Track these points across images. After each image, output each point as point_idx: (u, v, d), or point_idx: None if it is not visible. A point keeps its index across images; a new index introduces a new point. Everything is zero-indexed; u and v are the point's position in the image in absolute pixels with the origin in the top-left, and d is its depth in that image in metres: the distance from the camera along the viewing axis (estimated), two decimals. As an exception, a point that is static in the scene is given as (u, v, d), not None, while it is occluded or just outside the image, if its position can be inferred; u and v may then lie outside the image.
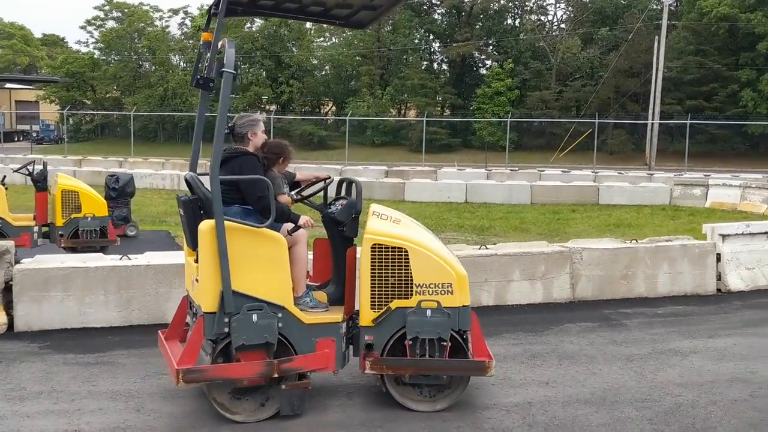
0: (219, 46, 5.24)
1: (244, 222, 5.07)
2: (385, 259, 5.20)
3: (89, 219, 12.07)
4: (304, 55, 55.09)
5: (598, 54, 49.93)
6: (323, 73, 58.20)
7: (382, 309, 5.22)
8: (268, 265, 5.09)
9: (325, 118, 52.69)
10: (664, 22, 38.34)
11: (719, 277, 9.85)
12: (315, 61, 57.22)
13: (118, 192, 14.50)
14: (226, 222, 4.92)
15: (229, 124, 5.47)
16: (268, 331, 5.02)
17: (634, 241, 9.92)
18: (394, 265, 5.20)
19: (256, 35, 55.90)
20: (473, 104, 51.37)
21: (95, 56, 57.28)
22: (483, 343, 5.38)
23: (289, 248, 5.23)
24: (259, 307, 5.01)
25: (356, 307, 5.48)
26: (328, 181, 5.94)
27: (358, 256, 5.45)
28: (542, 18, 57.11)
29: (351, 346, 5.52)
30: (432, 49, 57.49)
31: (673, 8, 52.79)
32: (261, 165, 5.43)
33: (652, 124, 40.08)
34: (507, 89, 50.02)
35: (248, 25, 56.84)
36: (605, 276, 9.29)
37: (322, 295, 5.58)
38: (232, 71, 4.94)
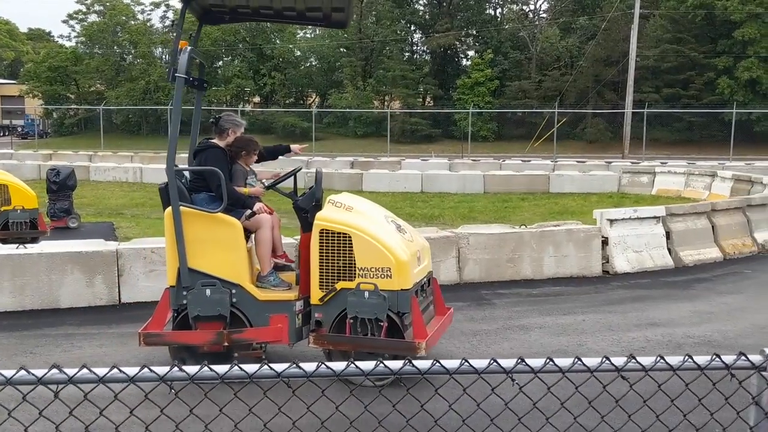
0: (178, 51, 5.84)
1: (198, 208, 5.76)
2: (331, 243, 5.61)
3: (18, 211, 12.54)
4: (286, 47, 55.38)
5: (577, 43, 50.20)
6: (306, 64, 58.49)
7: (328, 289, 5.64)
8: (222, 246, 5.75)
9: (308, 110, 52.94)
10: (637, 11, 38.56)
11: (607, 260, 10.30)
12: (298, 53, 57.52)
13: (59, 185, 14.91)
14: (184, 208, 5.68)
15: (216, 116, 6.31)
16: (221, 305, 5.68)
17: (522, 227, 10.35)
18: (339, 249, 5.60)
19: (239, 27, 56.08)
20: (454, 95, 51.75)
21: (78, 50, 57.54)
22: (422, 326, 5.59)
23: (254, 232, 5.99)
24: (212, 283, 5.69)
25: None
26: (296, 169, 6.42)
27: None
28: (524, 8, 57.29)
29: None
30: (413, 40, 57.76)
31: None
32: (225, 158, 6.09)
33: (628, 112, 40.34)
34: (487, 79, 50.38)
35: (230, 17, 57.10)
36: (492, 259, 9.72)
37: (290, 276, 6.17)
38: (183, 76, 5.64)
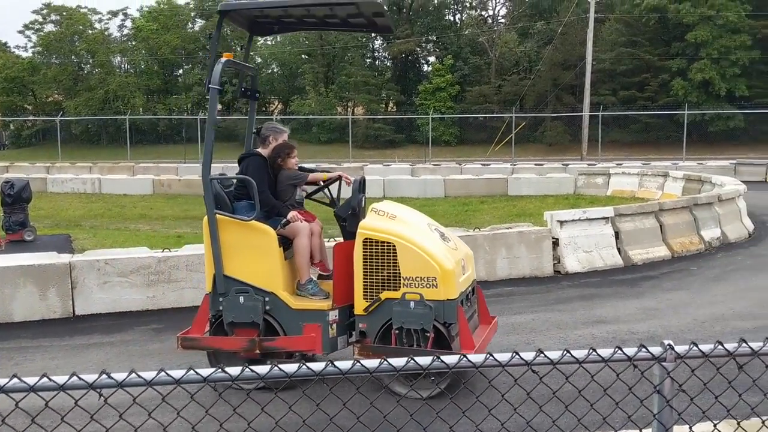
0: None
1: (231, 215, 5.82)
2: (375, 252, 5.54)
3: (-29, 225, 12.39)
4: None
5: (535, 48, 50.92)
6: (268, 71, 58.36)
7: (373, 299, 5.59)
8: (256, 253, 5.76)
9: (270, 116, 52.74)
10: (592, 15, 39.34)
11: (558, 260, 10.56)
12: (259, 60, 57.35)
13: (14, 197, 14.74)
14: (219, 216, 5.76)
15: (258, 126, 6.41)
16: (254, 312, 5.72)
17: (476, 230, 10.56)
18: (384, 259, 5.52)
19: (198, 35, 55.84)
20: (416, 100, 52.14)
21: (34, 60, 56.63)
22: (469, 336, 5.51)
23: (292, 240, 5.95)
24: (246, 290, 5.73)
25: (351, 299, 5.85)
26: (335, 176, 6.42)
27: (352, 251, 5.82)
28: (483, 13, 57.98)
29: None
30: (374, 47, 58.04)
31: (608, 0, 54.10)
32: (265, 166, 6.11)
33: (585, 115, 41.05)
34: (448, 85, 50.89)
35: (189, 25, 56.79)
36: (447, 262, 9.89)
37: (329, 285, 6.08)
38: (217, 87, 5.70)
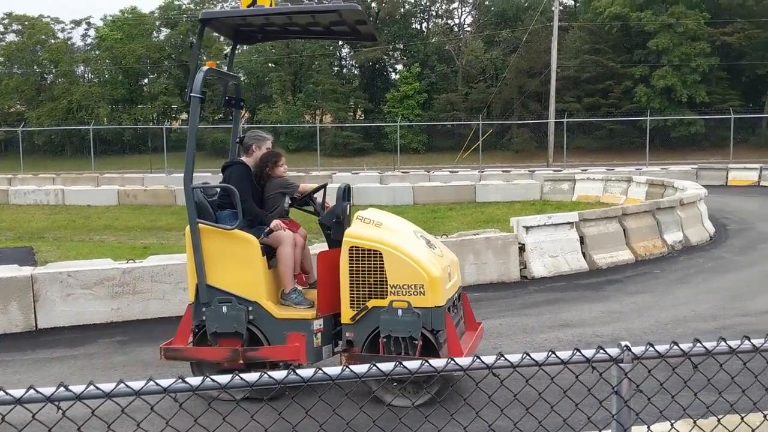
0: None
1: (214, 224, 5.76)
2: (361, 260, 5.48)
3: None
4: (213, 63, 54.79)
5: (501, 56, 51.46)
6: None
7: (359, 308, 5.54)
8: (239, 262, 5.70)
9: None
10: (556, 24, 39.90)
11: (525, 266, 10.67)
12: (225, 68, 57.03)
13: (-26, 209, 14.44)
14: (201, 225, 5.70)
15: (241, 135, 6.37)
16: (237, 322, 5.66)
17: (444, 236, 10.63)
18: (370, 267, 5.47)
19: (164, 44, 55.38)
20: (384, 108, 52.32)
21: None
22: (457, 343, 5.48)
23: (276, 249, 5.87)
24: (229, 299, 5.68)
25: (338, 308, 5.75)
26: (321, 186, 6.41)
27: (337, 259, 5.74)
28: (449, 22, 58.42)
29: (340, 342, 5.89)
30: (341, 55, 58.13)
31: (571, 9, 54.98)
32: (249, 174, 6.05)
33: (551, 122, 41.57)
34: (416, 92, 51.17)
35: (154, 34, 56.30)
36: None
37: (314, 294, 5.97)
38: (198, 95, 5.68)
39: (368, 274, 5.48)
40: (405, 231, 5.88)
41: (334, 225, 5.86)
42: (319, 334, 5.70)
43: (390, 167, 40.65)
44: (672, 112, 44.83)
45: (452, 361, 2.51)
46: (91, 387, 2.22)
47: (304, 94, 53.59)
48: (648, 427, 2.68)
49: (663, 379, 2.87)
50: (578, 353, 2.61)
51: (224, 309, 5.67)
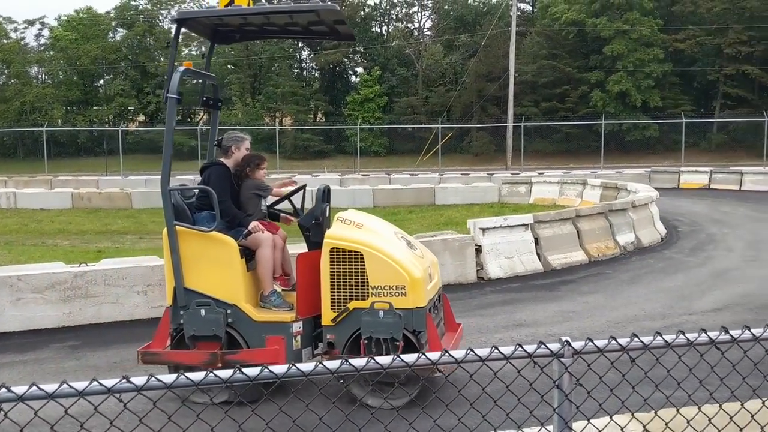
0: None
1: (191, 227, 5.69)
2: (342, 262, 5.44)
3: None
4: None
5: (460, 60, 51.89)
6: (193, 82, 57.39)
7: (340, 309, 5.49)
8: (217, 265, 5.65)
9: (194, 128, 51.89)
10: (513, 29, 40.43)
11: (481, 267, 10.80)
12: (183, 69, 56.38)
13: None
14: (178, 227, 5.64)
15: (219, 138, 6.31)
16: (216, 325, 5.61)
17: (401, 238, 10.69)
18: (351, 268, 5.44)
19: (120, 45, 54.53)
20: (345, 111, 52.31)
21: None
22: (438, 344, 5.46)
23: (255, 251, 5.78)
24: (207, 302, 5.62)
25: (318, 310, 5.69)
26: (300, 187, 6.36)
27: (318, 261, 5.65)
28: (409, 26, 58.69)
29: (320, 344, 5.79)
30: (301, 57, 57.97)
31: (529, 14, 55.73)
32: (228, 176, 5.96)
33: (509, 126, 42.07)
34: (376, 95, 51.27)
35: (110, 34, 55.39)
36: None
37: (293, 296, 5.89)
38: (175, 96, 5.60)
39: (349, 275, 5.46)
40: (386, 232, 5.88)
41: (313, 227, 5.84)
42: (298, 337, 5.67)
43: (351, 170, 40.68)
44: (626, 117, 45.77)
45: (398, 358, 2.55)
46: (34, 388, 2.21)
47: (264, 96, 53.28)
48: (588, 420, 2.76)
49: (611, 374, 2.96)
50: (520, 348, 2.68)
51: (202, 312, 5.62)
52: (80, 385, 2.16)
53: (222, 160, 6.13)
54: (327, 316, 5.55)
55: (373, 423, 4.68)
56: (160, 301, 8.68)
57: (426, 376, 5.44)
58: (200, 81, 6.77)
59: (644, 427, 2.88)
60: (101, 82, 56.67)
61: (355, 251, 5.43)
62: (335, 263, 5.46)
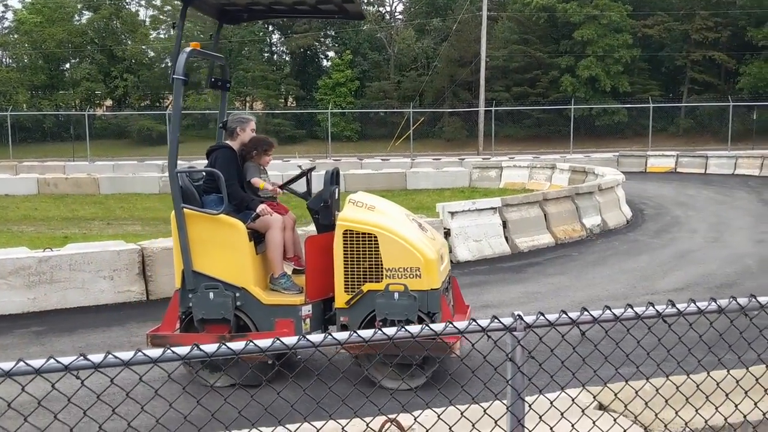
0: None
1: (200, 209, 5.65)
2: (356, 244, 5.41)
3: None
4: (138, 48, 53.40)
5: (432, 44, 51.88)
6: (161, 65, 56.62)
7: (354, 292, 5.46)
8: (226, 248, 5.62)
9: (163, 112, 51.28)
10: (485, 13, 40.46)
11: (450, 250, 10.88)
12: (152, 54, 55.61)
13: None
14: (187, 210, 5.61)
15: (224, 119, 6.26)
16: (224, 308, 5.60)
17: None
18: (365, 250, 5.41)
19: (86, 28, 53.53)
20: (316, 95, 52.04)
21: None
22: None
23: (264, 233, 5.73)
24: (215, 286, 5.60)
25: (330, 292, 5.70)
26: (308, 168, 6.36)
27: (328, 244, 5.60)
28: (380, 9, 58.47)
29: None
30: (272, 41, 57.48)
31: (501, -1, 55.82)
32: (235, 158, 5.87)
33: (481, 111, 42.23)
34: (348, 80, 51.06)
35: (76, 17, 54.33)
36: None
37: (303, 279, 5.81)
38: (182, 77, 5.52)
39: (363, 257, 5.44)
40: (398, 214, 5.87)
41: (322, 209, 5.81)
42: (307, 320, 5.66)
43: (322, 155, 40.53)
44: (596, 102, 46.17)
45: (354, 334, 2.60)
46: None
47: (234, 81, 52.72)
48: (540, 391, 2.84)
49: (564, 349, 3.04)
50: (474, 323, 2.74)
51: (211, 295, 5.61)
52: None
53: (228, 142, 6.08)
54: (341, 298, 5.54)
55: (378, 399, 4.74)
56: (127, 286, 8.66)
57: (441, 357, 5.39)
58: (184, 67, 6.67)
59: (594, 397, 2.97)
60: (67, 66, 55.63)
61: (369, 233, 5.41)
62: (349, 246, 5.45)
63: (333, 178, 5.93)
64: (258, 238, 5.84)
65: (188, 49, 5.66)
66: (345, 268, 5.48)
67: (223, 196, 5.60)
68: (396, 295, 5.36)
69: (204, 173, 6.00)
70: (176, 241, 5.69)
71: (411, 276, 5.37)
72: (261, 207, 5.73)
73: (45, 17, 52.78)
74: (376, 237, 5.40)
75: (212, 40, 6.66)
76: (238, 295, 5.63)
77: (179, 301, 5.76)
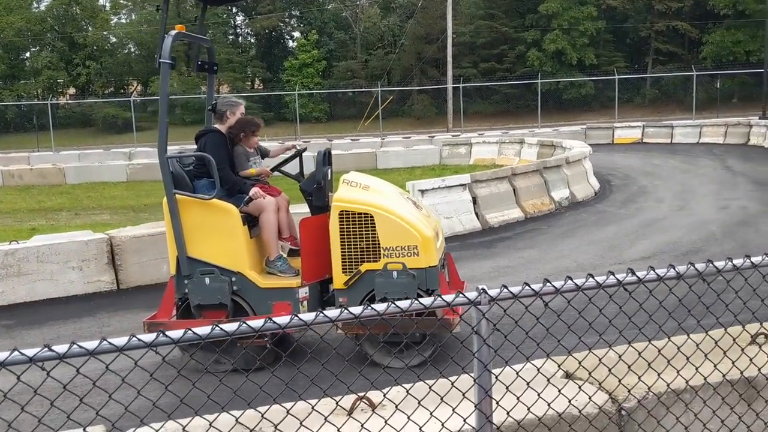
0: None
1: (191, 194, 5.60)
2: (352, 224, 5.40)
3: None
4: (100, 34, 52.35)
5: (398, 22, 51.64)
6: (125, 51, 55.62)
7: (352, 272, 5.44)
8: (219, 233, 5.59)
9: (127, 98, 50.46)
10: (449, -10, 40.32)
11: (421, 228, 10.94)
12: (114, 40, 54.56)
13: None
14: (179, 196, 5.56)
15: (213, 102, 6.17)
16: (221, 293, 5.58)
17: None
18: (362, 230, 5.39)
19: (45, 15, 52.28)
20: (283, 77, 51.59)
21: None
22: None
23: (258, 216, 5.69)
24: (211, 271, 5.57)
25: (326, 274, 5.68)
26: (299, 149, 6.30)
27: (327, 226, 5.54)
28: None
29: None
30: (236, 23, 56.75)
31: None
32: (224, 142, 5.78)
33: (449, 87, 42.22)
34: (314, 60, 50.68)
35: (35, 5, 53.04)
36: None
37: (298, 262, 5.77)
38: (168, 61, 5.45)
39: (360, 238, 5.44)
40: (392, 193, 5.86)
41: (315, 191, 5.77)
42: (305, 302, 5.66)
43: (291, 137, 40.26)
44: (563, 75, 46.43)
45: (321, 314, 2.63)
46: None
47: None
48: (506, 362, 2.90)
49: (528, 320, 3.09)
50: (440, 298, 2.78)
51: (207, 281, 5.59)
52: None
53: (217, 126, 6.03)
54: (339, 279, 5.54)
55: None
56: (96, 276, 8.58)
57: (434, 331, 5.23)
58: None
59: (559, 366, 3.03)
60: (27, 54, 54.38)
61: (365, 213, 5.42)
62: (345, 226, 5.45)
63: (325, 158, 5.89)
64: (252, 221, 5.83)
65: (173, 32, 5.59)
66: (342, 248, 5.49)
67: (215, 181, 5.58)
68: (395, 274, 5.38)
69: (194, 158, 5.94)
70: (169, 227, 5.66)
71: (409, 254, 5.40)
72: (253, 190, 5.73)
73: (2, 5, 51.48)
74: (372, 216, 5.41)
75: (197, 22, 6.58)
76: (234, 279, 5.63)
77: (175, 287, 5.74)
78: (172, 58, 5.50)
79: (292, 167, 6.36)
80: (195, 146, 5.99)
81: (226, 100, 6.14)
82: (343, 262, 5.50)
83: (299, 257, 5.94)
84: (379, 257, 5.44)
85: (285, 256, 5.98)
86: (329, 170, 5.95)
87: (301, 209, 7.62)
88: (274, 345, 5.46)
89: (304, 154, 6.41)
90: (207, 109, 6.42)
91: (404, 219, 5.44)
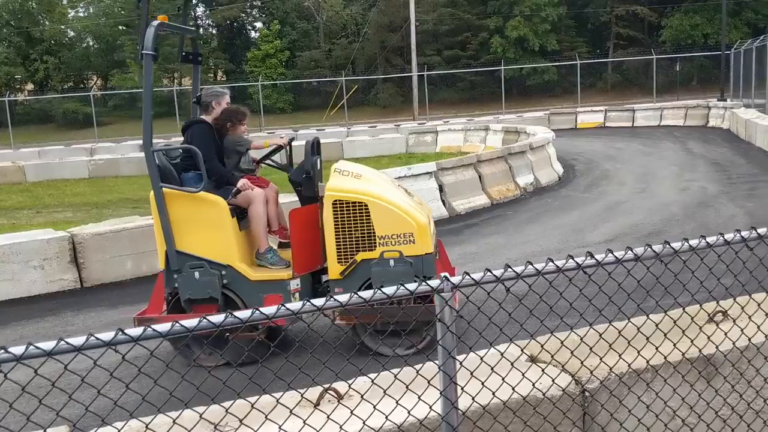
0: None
1: (178, 188, 5.50)
2: (346, 214, 5.33)
3: None
4: (57, 28, 51.23)
5: (361, 11, 51.45)
6: (83, 45, 54.52)
7: (348, 262, 5.34)
8: (208, 226, 5.52)
9: (87, 93, 49.52)
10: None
11: (388, 217, 10.96)
12: (72, 34, 53.45)
13: None
14: (166, 189, 5.46)
15: (198, 94, 6.09)
16: (211, 287, 5.51)
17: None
18: (356, 220, 5.34)
19: (0, 11, 51.00)
20: (246, 68, 51.09)
21: None
22: None
23: (247, 208, 5.60)
24: (200, 264, 5.48)
25: (317, 265, 5.62)
26: (289, 138, 6.18)
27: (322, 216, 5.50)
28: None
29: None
30: (197, 14, 55.96)
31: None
32: (211, 133, 5.68)
33: (414, 76, 42.22)
34: (277, 51, 50.26)
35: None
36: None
37: (289, 253, 5.66)
38: (151, 53, 5.31)
39: (355, 227, 5.40)
40: (384, 181, 5.83)
41: (305, 181, 5.72)
42: (296, 294, 5.60)
43: (256, 128, 39.92)
44: (526, 61, 46.73)
45: (282, 307, 2.62)
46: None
47: (161, 57, 51.13)
48: (470, 348, 2.93)
49: (507, 305, 3.12)
50: (402, 287, 2.79)
51: (196, 274, 5.51)
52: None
53: (203, 117, 5.94)
54: (334, 269, 5.48)
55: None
56: (59, 275, 8.45)
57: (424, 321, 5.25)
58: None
59: (522, 350, 3.07)
60: (-19, 50, 53.04)
61: (359, 202, 5.38)
62: (339, 216, 5.40)
63: (314, 148, 5.85)
64: (240, 213, 5.77)
65: (156, 23, 5.46)
66: (337, 238, 5.44)
67: (202, 173, 5.51)
68: (391, 262, 5.35)
69: (181, 150, 5.86)
70: (157, 221, 5.58)
71: (405, 242, 5.38)
72: (241, 182, 5.67)
73: (-47, -1, 50.18)
74: (366, 205, 5.37)
75: (180, 12, 6.47)
76: (224, 272, 5.56)
77: (164, 282, 5.67)
78: (156, 49, 5.38)
79: (281, 158, 6.31)
80: (181, 139, 5.94)
81: (211, 91, 6.09)
82: (338, 252, 5.46)
83: (289, 249, 5.89)
84: (375, 246, 5.41)
85: (275, 248, 5.94)
86: (318, 160, 5.90)
87: (289, 199, 7.58)
88: (266, 337, 5.46)
89: (292, 143, 6.32)
90: (192, 101, 6.35)
91: (399, 207, 5.43)
